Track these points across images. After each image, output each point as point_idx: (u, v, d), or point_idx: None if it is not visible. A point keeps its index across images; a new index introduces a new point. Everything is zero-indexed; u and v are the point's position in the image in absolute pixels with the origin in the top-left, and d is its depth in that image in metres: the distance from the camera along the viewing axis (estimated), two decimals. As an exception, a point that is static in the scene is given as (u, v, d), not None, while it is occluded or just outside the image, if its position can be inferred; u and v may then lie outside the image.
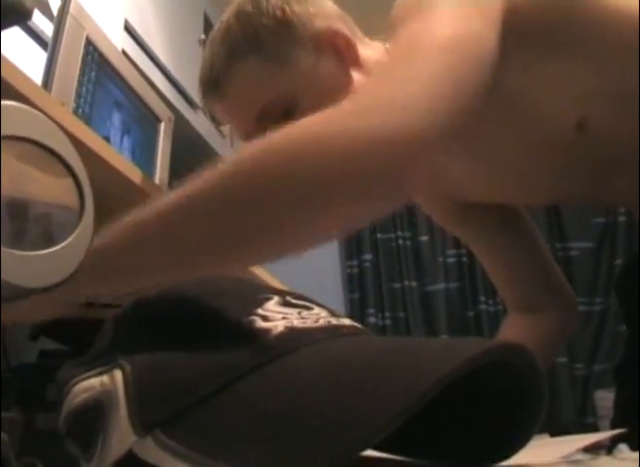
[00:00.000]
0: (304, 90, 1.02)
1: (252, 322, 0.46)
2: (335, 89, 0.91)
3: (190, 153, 3.02)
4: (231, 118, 1.18)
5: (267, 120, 1.05)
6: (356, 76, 1.03)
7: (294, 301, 0.51)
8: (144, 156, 1.77)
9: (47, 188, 0.48)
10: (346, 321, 0.51)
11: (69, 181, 0.49)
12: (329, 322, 0.49)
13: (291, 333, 0.46)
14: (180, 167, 1.95)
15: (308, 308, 0.51)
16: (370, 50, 1.08)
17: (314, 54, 1.03)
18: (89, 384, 0.49)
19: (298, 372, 0.42)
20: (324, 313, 0.51)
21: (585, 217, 3.46)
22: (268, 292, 0.52)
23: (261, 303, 0.49)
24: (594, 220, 3.44)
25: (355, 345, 0.46)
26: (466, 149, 0.99)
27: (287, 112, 1.02)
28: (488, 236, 1.35)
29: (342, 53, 1.05)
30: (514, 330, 1.31)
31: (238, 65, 1.06)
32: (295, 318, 0.48)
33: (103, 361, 0.50)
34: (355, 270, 3.57)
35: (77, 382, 0.50)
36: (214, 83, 1.12)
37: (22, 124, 0.45)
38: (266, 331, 0.45)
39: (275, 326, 0.46)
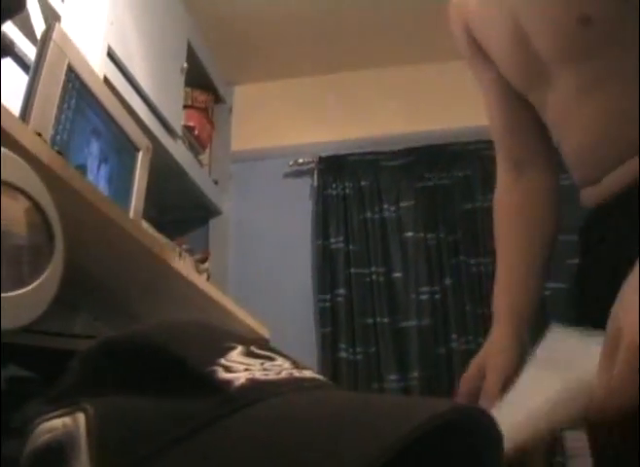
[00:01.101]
0: None
1: (214, 372, 0.46)
2: None
3: (167, 181, 3.03)
4: None
5: None
6: None
7: (257, 351, 0.51)
8: (120, 185, 1.77)
9: (15, 228, 0.48)
10: (308, 373, 0.51)
11: (38, 220, 0.49)
12: (291, 374, 0.49)
13: (253, 385, 0.46)
14: (157, 195, 1.96)
15: (271, 359, 0.51)
16: None
17: None
18: (52, 425, 0.48)
19: (258, 424, 0.42)
20: (287, 365, 0.51)
21: (559, 258, 3.48)
22: (233, 340, 0.52)
23: (224, 352, 0.49)
24: (568, 261, 3.45)
25: (316, 400, 0.47)
26: None
27: None
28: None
29: None
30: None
31: None
32: (257, 370, 0.48)
33: (67, 401, 0.49)
34: (328, 305, 3.56)
35: (41, 422, 0.49)
36: None
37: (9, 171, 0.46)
38: (228, 382, 0.46)
39: (237, 377, 0.46)
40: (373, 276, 3.58)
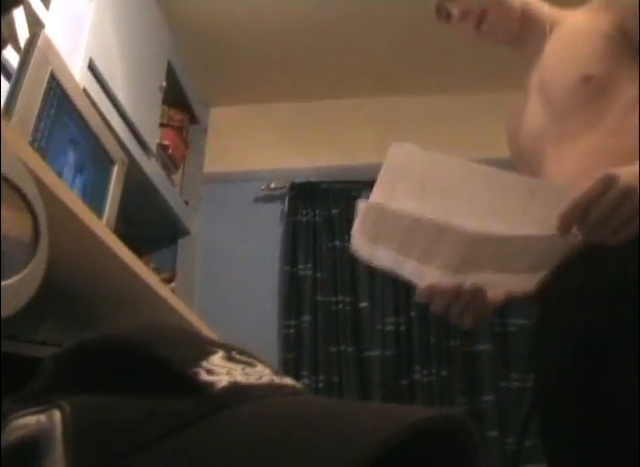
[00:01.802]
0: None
1: (196, 374, 0.46)
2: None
3: (139, 198, 3.02)
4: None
5: None
6: None
7: (238, 356, 0.51)
8: (94, 196, 1.76)
9: (3, 221, 0.48)
10: (288, 381, 0.51)
11: (26, 215, 0.49)
12: (271, 380, 0.49)
13: (234, 388, 0.46)
14: (127, 210, 1.95)
15: (252, 365, 0.51)
16: None
17: None
18: (25, 422, 0.48)
19: (240, 425, 0.42)
20: (267, 371, 0.51)
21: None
22: (214, 345, 0.52)
23: (206, 355, 0.49)
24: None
25: (297, 404, 0.47)
26: None
27: None
28: None
29: None
30: None
31: None
32: (238, 374, 0.48)
33: (41, 399, 0.49)
34: (292, 331, 3.56)
35: (13, 419, 0.49)
36: None
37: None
38: (211, 384, 0.45)
39: (220, 380, 0.46)
40: (340, 305, 3.58)
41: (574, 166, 1.46)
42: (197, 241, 3.86)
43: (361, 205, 1.35)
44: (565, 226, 1.18)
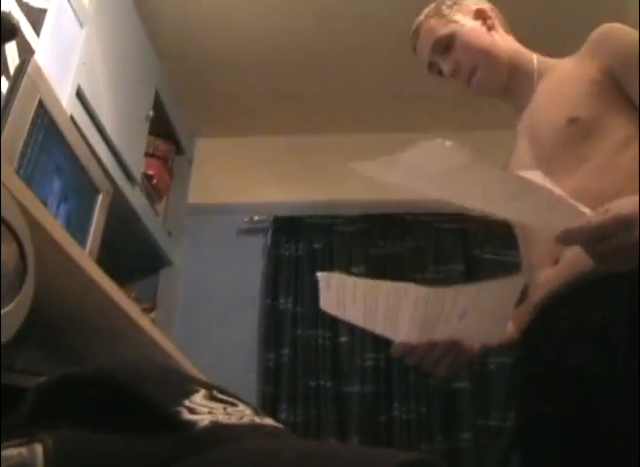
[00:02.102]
0: (459, 34, 1.77)
1: (178, 413, 0.46)
2: (476, 40, 1.76)
3: (122, 227, 3.00)
4: (420, 50, 1.85)
5: (437, 49, 1.79)
6: (494, 35, 1.79)
7: (220, 396, 0.51)
8: (78, 226, 1.75)
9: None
10: (269, 421, 0.51)
11: (12, 245, 0.49)
12: (252, 420, 0.49)
13: (216, 427, 0.46)
14: (110, 239, 1.94)
15: (234, 405, 0.51)
16: (507, 35, 1.84)
17: (469, 19, 1.81)
18: (7, 455, 0.47)
19: (220, 465, 0.42)
20: (248, 411, 0.51)
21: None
22: (195, 384, 0.52)
23: (188, 394, 0.49)
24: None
25: (277, 446, 0.47)
26: None
27: (448, 46, 1.78)
28: None
29: (486, 22, 1.81)
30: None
31: (431, 19, 1.82)
32: (220, 413, 0.48)
33: (23, 432, 0.49)
34: (272, 364, 3.54)
35: (-6, 451, 0.48)
36: (416, 28, 1.85)
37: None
38: (193, 423, 0.45)
39: (202, 419, 0.46)
40: (319, 339, 3.57)
41: None
42: (179, 272, 3.84)
43: (322, 275, 1.44)
44: (567, 241, 1.20)
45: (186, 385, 0.51)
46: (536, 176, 1.24)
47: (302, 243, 3.81)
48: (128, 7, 2.98)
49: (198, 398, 0.49)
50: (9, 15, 0.75)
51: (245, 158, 4.18)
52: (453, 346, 1.48)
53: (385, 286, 1.38)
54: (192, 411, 0.47)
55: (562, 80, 1.62)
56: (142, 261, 3.64)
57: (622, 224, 1.15)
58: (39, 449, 0.46)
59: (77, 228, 1.74)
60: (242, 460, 0.43)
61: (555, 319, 1.45)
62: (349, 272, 3.70)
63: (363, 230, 3.83)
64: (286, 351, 3.55)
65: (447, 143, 1.16)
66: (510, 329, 1.63)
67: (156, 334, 1.51)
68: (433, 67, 1.85)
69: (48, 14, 2.22)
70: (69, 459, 0.44)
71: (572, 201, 1.18)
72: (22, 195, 0.88)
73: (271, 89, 3.85)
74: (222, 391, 0.52)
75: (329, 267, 3.73)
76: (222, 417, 0.47)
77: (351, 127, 4.09)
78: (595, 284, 1.36)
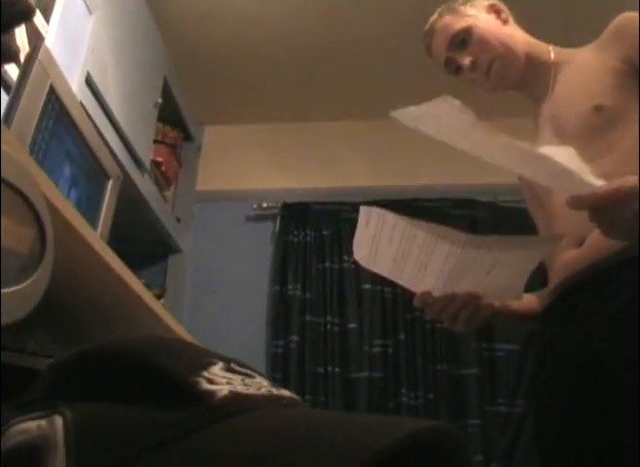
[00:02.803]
0: (475, 28, 1.78)
1: (197, 383, 0.47)
2: (492, 32, 1.77)
3: (131, 213, 3.02)
4: (436, 49, 1.87)
5: (453, 45, 1.81)
6: (506, 28, 1.81)
7: (237, 368, 0.52)
8: (88, 211, 1.76)
9: (11, 229, 0.49)
10: (285, 392, 0.52)
11: (32, 225, 0.49)
12: (270, 391, 0.50)
13: (235, 397, 0.46)
14: (119, 226, 1.95)
15: (251, 376, 0.51)
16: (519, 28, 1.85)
17: (485, 13, 1.83)
18: (26, 427, 0.48)
19: (240, 434, 0.43)
20: (265, 383, 0.52)
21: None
22: (213, 357, 0.52)
23: (206, 366, 0.50)
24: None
25: (296, 415, 0.47)
26: None
27: (464, 41, 1.79)
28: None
29: (500, 16, 1.83)
30: None
31: (445, 16, 1.84)
32: (238, 384, 0.49)
33: (42, 406, 0.49)
34: (280, 350, 3.55)
35: (13, 424, 0.49)
36: (430, 27, 1.87)
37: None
38: (211, 393, 0.46)
39: (220, 389, 0.47)
40: (328, 326, 3.58)
41: None
42: (188, 259, 3.85)
43: (364, 208, 1.46)
44: (576, 205, 1.25)
45: (203, 357, 0.52)
46: (567, 151, 1.26)
47: (311, 230, 3.82)
48: (137, -6, 2.98)
49: (217, 369, 0.50)
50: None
51: (253, 145, 4.18)
52: (472, 300, 1.50)
53: (422, 233, 1.40)
54: (210, 381, 0.47)
55: (585, 69, 1.64)
56: (151, 247, 3.65)
57: (628, 193, 1.20)
58: (59, 420, 0.47)
59: (87, 213, 1.74)
60: (263, 428, 0.43)
61: (577, 301, 1.46)
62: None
63: (371, 216, 3.83)
64: (294, 338, 3.56)
65: (455, 102, 1.20)
66: (530, 299, 1.67)
67: (167, 317, 1.52)
68: (450, 64, 1.86)
69: (57, 0, 2.22)
70: (89, 430, 0.45)
71: (580, 174, 1.21)
72: (38, 177, 0.89)
73: (279, 76, 3.85)
74: (239, 364, 0.53)
75: (337, 253, 3.74)
76: (240, 388, 0.48)
77: (360, 114, 4.09)
78: (619, 267, 1.37)
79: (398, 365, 3.48)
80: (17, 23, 0.70)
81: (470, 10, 1.83)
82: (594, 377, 1.37)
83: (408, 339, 3.51)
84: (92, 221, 1.78)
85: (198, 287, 3.81)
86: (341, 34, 3.52)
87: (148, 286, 3.18)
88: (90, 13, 2.47)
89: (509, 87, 1.83)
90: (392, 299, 3.60)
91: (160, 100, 3.23)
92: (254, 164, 4.12)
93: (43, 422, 0.48)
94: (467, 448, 0.47)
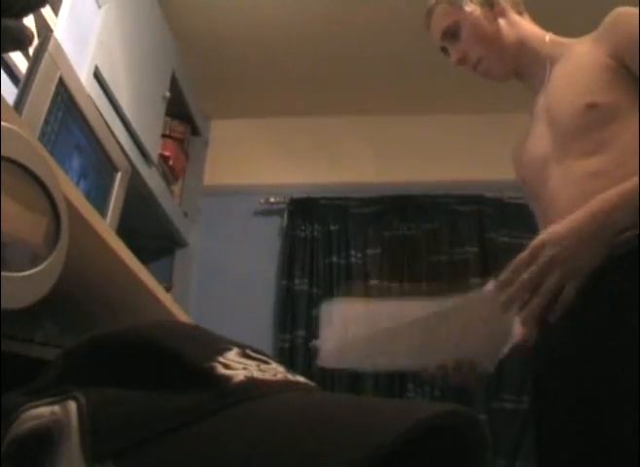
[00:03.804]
0: (465, 23, 1.79)
1: (213, 368, 0.47)
2: (482, 29, 1.78)
3: (138, 207, 3.02)
4: (432, 34, 1.88)
5: (446, 37, 1.83)
6: (501, 22, 1.80)
7: (253, 354, 0.52)
8: (96, 203, 1.76)
9: (25, 212, 0.48)
10: (301, 378, 0.52)
11: (48, 209, 0.49)
12: (286, 377, 0.50)
13: (251, 382, 0.46)
14: (126, 219, 1.95)
15: (266, 362, 0.51)
16: (518, 16, 1.84)
17: (476, 5, 1.80)
18: (39, 412, 0.48)
19: (257, 418, 0.43)
20: (281, 369, 0.51)
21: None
22: (228, 343, 0.52)
23: (221, 351, 0.50)
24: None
25: (312, 399, 0.47)
26: None
27: (455, 34, 1.81)
28: None
29: (493, 7, 1.81)
30: None
31: (440, 5, 1.84)
32: (254, 370, 0.48)
33: (54, 391, 0.49)
34: (287, 345, 3.55)
35: (26, 410, 0.49)
36: (429, 11, 1.87)
37: (13, 146, 0.46)
38: (227, 378, 0.46)
39: (236, 374, 0.46)
40: (335, 321, 3.57)
41: (577, 187, 1.51)
42: (195, 253, 3.86)
43: (323, 306, 1.51)
44: (504, 288, 1.33)
45: (219, 343, 0.52)
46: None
47: (318, 225, 3.82)
48: (145, -13, 2.98)
49: (232, 355, 0.50)
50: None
51: (261, 139, 4.18)
52: (462, 364, 1.49)
53: (387, 311, 1.42)
54: (226, 366, 0.47)
55: (578, 64, 1.64)
56: (158, 241, 3.66)
57: (538, 246, 1.32)
58: (72, 405, 0.47)
59: (95, 205, 1.73)
60: (278, 413, 0.43)
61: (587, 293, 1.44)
62: (365, 254, 3.71)
63: (378, 211, 3.84)
64: (301, 332, 3.56)
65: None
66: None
67: (175, 309, 1.52)
68: (446, 51, 1.89)
69: (66, -6, 2.23)
70: (104, 415, 0.45)
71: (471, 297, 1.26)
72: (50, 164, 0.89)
73: (287, 70, 3.85)
74: (255, 350, 0.53)
75: (344, 248, 3.74)
76: (256, 373, 0.48)
77: (367, 109, 4.08)
78: (618, 260, 1.36)
79: (404, 360, 3.47)
80: (35, 9, 0.69)
81: (464, 1, 1.82)
82: (596, 369, 1.36)
83: (415, 334, 3.50)
84: (101, 213, 1.77)
85: (205, 281, 3.81)
86: (350, 29, 3.52)
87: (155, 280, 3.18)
88: (99, 6, 2.48)
89: (496, 79, 1.86)
90: (399, 294, 3.59)
91: (167, 94, 3.23)
92: (261, 159, 4.12)
93: (56, 407, 0.48)
94: (486, 432, 0.47)
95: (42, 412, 0.48)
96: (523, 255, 1.34)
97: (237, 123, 4.23)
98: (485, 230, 3.74)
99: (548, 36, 1.79)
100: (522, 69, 1.81)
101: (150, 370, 0.49)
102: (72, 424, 0.45)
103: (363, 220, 3.82)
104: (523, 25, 1.83)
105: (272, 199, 3.94)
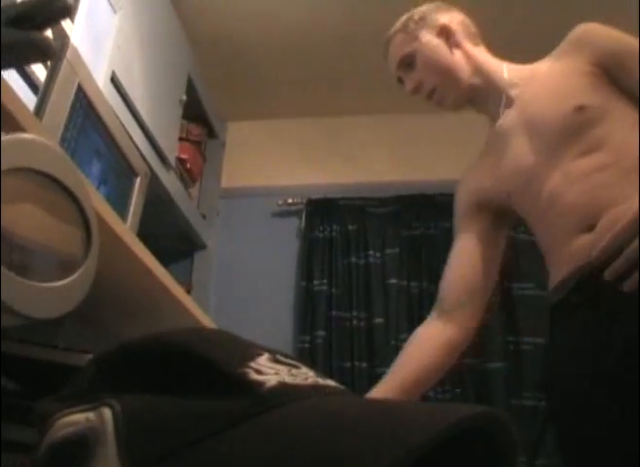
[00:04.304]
0: (420, 53, 1.84)
1: (246, 374, 0.47)
2: (436, 60, 1.83)
3: (156, 210, 3.03)
4: (389, 64, 1.95)
5: (402, 66, 1.89)
6: (456, 53, 1.83)
7: (283, 359, 0.52)
8: (117, 208, 1.76)
9: (57, 224, 0.49)
10: (331, 382, 0.52)
11: (78, 218, 0.50)
12: (316, 381, 0.50)
13: (283, 387, 0.47)
14: (145, 222, 1.96)
15: (297, 367, 0.52)
16: (473, 47, 1.86)
17: (432, 36, 1.85)
18: (74, 419, 0.48)
19: (291, 423, 0.43)
20: (311, 373, 0.52)
21: (539, 313, 3.51)
22: (259, 348, 0.53)
23: (253, 357, 0.50)
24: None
25: (344, 403, 0.48)
26: None
27: (410, 64, 1.86)
28: (480, 233, 1.84)
29: (449, 38, 1.84)
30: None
31: (397, 35, 1.91)
32: (286, 374, 0.49)
33: (87, 398, 0.50)
34: (307, 346, 3.56)
35: (60, 417, 0.50)
36: (387, 41, 1.94)
37: (46, 160, 0.46)
38: (260, 383, 0.46)
39: (268, 379, 0.47)
40: (354, 321, 3.58)
41: (583, 183, 1.53)
42: (213, 255, 3.87)
43: None
44: (604, 255, 1.34)
45: (249, 349, 0.52)
46: None
47: (336, 225, 3.82)
48: (160, -8, 2.99)
49: (263, 360, 0.50)
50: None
51: (277, 140, 4.19)
52: None
53: None
54: (258, 372, 0.48)
55: (557, 75, 1.69)
56: (176, 244, 3.67)
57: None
58: (107, 412, 0.47)
59: (116, 210, 1.75)
60: (312, 418, 0.44)
61: (597, 289, 1.44)
62: (384, 254, 3.71)
63: (396, 211, 3.83)
64: (321, 333, 3.56)
65: None
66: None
67: (196, 311, 1.53)
68: (401, 81, 1.97)
69: (82, 0, 2.24)
70: (139, 421, 0.45)
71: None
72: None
73: (303, 70, 3.85)
74: (285, 355, 0.53)
75: (363, 248, 3.74)
76: (288, 378, 0.48)
77: (385, 108, 4.08)
78: None
79: (425, 359, 3.46)
80: (58, 20, 0.70)
81: (420, 31, 1.87)
82: (623, 366, 1.36)
83: (435, 333, 3.50)
84: (121, 218, 1.78)
85: (224, 283, 3.82)
86: (366, 28, 3.51)
87: (175, 283, 3.19)
88: (115, 11, 2.49)
89: (454, 109, 1.95)
90: (418, 293, 3.59)
91: (184, 98, 3.24)
92: (278, 160, 4.12)
93: (91, 414, 0.48)
94: (515, 437, 0.47)
95: (77, 418, 0.49)
96: (625, 225, 1.31)
97: (254, 124, 4.23)
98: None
99: (505, 65, 1.84)
100: (478, 98, 1.85)
101: (182, 376, 0.49)
102: (108, 431, 0.46)
103: (381, 220, 3.82)
104: (479, 56, 1.86)
105: (290, 201, 3.94)
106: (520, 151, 1.70)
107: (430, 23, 1.88)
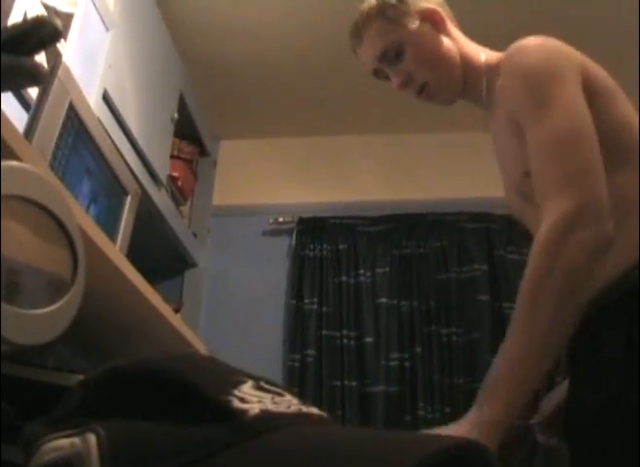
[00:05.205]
0: (409, 42, 1.63)
1: (229, 401, 0.47)
2: (427, 49, 1.63)
3: (147, 228, 3.03)
4: (364, 56, 1.74)
5: (385, 58, 1.67)
6: (444, 40, 1.64)
7: (267, 386, 0.52)
8: (107, 226, 1.77)
9: (44, 250, 0.49)
10: (315, 410, 0.52)
11: (65, 243, 0.50)
12: (300, 409, 0.50)
13: (266, 415, 0.47)
14: (135, 240, 1.96)
15: (281, 395, 0.52)
16: (456, 31, 1.70)
17: (417, 21, 1.63)
18: (60, 444, 0.49)
19: (273, 452, 0.43)
20: (295, 401, 0.52)
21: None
22: (243, 375, 0.53)
23: (237, 384, 0.50)
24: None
25: (327, 432, 0.48)
26: None
27: (398, 55, 1.64)
28: None
29: (436, 24, 1.65)
30: None
31: (374, 21, 1.66)
32: (269, 402, 0.49)
33: (73, 423, 0.50)
34: (297, 364, 3.55)
35: (46, 441, 0.50)
36: (357, 29, 1.72)
37: (31, 187, 0.47)
38: (244, 411, 0.46)
39: (252, 408, 0.47)
40: (344, 340, 3.58)
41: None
42: (204, 273, 3.86)
43: None
44: None
45: (234, 376, 0.52)
46: None
47: (327, 244, 3.82)
48: (153, 11, 3.00)
49: (247, 388, 0.50)
50: (52, 18, 0.76)
51: (269, 159, 4.20)
52: None
53: None
54: (242, 400, 0.48)
55: (502, 123, 1.58)
56: (167, 262, 3.67)
57: None
58: (92, 438, 0.47)
59: (106, 229, 1.74)
60: (294, 446, 0.44)
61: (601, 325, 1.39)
62: (374, 273, 3.71)
63: (387, 230, 3.84)
64: (311, 352, 3.56)
65: None
66: None
67: (186, 332, 1.53)
68: (379, 74, 1.75)
69: (75, 18, 2.24)
70: (123, 448, 0.46)
71: None
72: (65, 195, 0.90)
73: (295, 90, 3.87)
74: (268, 382, 0.53)
75: (353, 267, 3.74)
76: (271, 406, 0.48)
77: (375, 128, 4.10)
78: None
79: (415, 379, 3.46)
80: (48, 45, 0.70)
81: (403, 17, 1.64)
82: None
83: (425, 352, 3.50)
84: (111, 236, 1.78)
85: (215, 302, 3.81)
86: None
87: (164, 301, 3.19)
88: (108, 29, 2.49)
89: (446, 103, 1.74)
90: (408, 312, 3.60)
91: (176, 116, 3.25)
92: (270, 179, 4.13)
93: (76, 440, 0.48)
94: (495, 460, 0.47)
95: (62, 444, 0.49)
96: None
97: (245, 143, 4.25)
98: (494, 247, 3.73)
99: (484, 53, 1.66)
100: (466, 88, 1.68)
101: (167, 402, 0.49)
102: (92, 457, 0.46)
103: (371, 239, 3.83)
104: (463, 41, 1.69)
105: (281, 219, 3.95)
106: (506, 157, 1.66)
107: (411, 7, 1.64)
